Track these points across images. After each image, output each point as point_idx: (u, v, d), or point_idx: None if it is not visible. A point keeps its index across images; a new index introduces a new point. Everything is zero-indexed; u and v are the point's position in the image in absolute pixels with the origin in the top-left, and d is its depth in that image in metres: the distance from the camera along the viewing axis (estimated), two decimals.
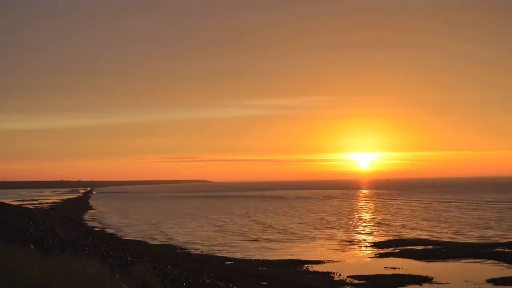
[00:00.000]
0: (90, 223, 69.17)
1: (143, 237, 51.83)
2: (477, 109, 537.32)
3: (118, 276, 15.01)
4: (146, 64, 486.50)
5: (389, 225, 61.78)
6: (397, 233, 52.69)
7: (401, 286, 26.99)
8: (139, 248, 39.67)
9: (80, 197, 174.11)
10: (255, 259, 36.51)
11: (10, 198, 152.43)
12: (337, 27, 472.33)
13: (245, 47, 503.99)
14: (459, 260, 34.56)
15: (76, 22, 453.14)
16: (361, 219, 71.35)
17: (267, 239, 49.40)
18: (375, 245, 43.45)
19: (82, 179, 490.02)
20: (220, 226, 63.47)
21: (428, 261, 34.43)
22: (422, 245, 42.62)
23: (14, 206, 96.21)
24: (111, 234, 54.39)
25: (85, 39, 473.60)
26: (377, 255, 37.55)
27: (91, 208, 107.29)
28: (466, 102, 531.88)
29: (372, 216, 75.57)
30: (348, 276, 29.68)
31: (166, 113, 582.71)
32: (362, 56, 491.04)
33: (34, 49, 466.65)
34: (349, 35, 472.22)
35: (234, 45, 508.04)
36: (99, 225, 66.30)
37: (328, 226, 61.38)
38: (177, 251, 41.08)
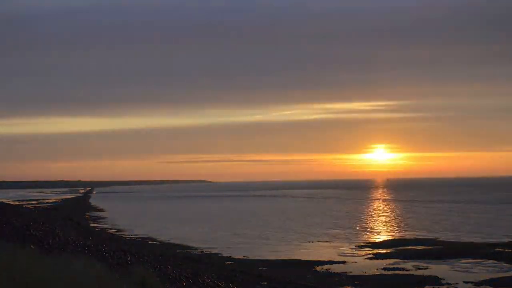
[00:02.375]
0: (90, 223, 69.14)
1: (143, 237, 51.84)
2: None
3: (118, 276, 15.02)
4: (152, 67, 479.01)
5: (388, 225, 61.87)
6: (397, 233, 52.77)
7: (401, 287, 27.00)
8: (139, 248, 39.66)
9: (80, 197, 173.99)
10: (255, 259, 36.52)
11: (10, 198, 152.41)
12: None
13: None
14: (459, 260, 34.56)
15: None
16: (361, 219, 71.37)
17: (267, 238, 49.43)
18: (375, 245, 43.47)
19: (82, 179, 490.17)
20: (217, 226, 63.52)
21: (428, 261, 34.44)
22: (422, 245, 42.66)
23: (14, 206, 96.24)
24: (111, 234, 54.37)
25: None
26: (377, 255, 37.54)
27: (91, 208, 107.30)
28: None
29: (372, 216, 75.63)
30: (348, 276, 29.70)
31: (167, 115, 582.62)
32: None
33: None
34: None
35: None
36: (99, 225, 66.30)
37: (328, 226, 61.39)
38: (177, 251, 41.08)
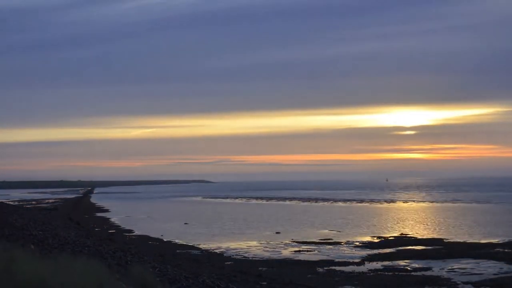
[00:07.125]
0: (90, 223, 69.14)
1: (143, 237, 51.85)
2: None
3: (118, 276, 15.02)
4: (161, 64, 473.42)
5: (387, 224, 61.91)
6: (397, 232, 52.79)
7: (401, 287, 27.00)
8: (139, 248, 39.66)
9: (80, 197, 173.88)
10: (255, 259, 36.54)
11: (10, 198, 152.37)
12: None
13: None
14: (459, 260, 34.59)
15: None
16: (359, 218, 71.42)
17: (266, 238, 49.45)
18: (376, 245, 43.48)
19: (82, 179, 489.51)
20: (217, 225, 63.56)
21: (428, 261, 34.45)
22: (422, 245, 42.69)
23: (14, 206, 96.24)
24: (111, 234, 54.36)
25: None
26: (378, 255, 37.54)
27: (91, 208, 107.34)
28: None
29: (370, 216, 75.68)
30: (348, 276, 29.71)
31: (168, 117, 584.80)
32: None
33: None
34: None
35: None
36: (99, 225, 66.31)
37: (328, 226, 61.44)
38: (177, 251, 41.09)
